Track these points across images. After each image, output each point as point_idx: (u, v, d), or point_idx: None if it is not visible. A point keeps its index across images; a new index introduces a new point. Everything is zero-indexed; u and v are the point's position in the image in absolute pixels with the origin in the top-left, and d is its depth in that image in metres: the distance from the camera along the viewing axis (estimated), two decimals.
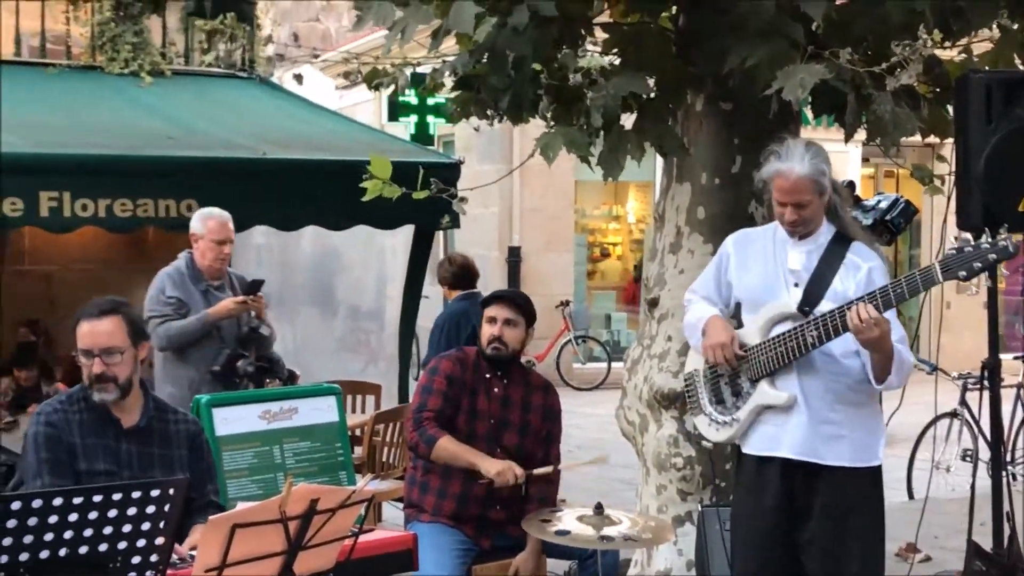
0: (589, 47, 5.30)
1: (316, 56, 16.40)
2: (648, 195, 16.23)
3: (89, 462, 4.09)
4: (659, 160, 8.60)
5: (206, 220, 6.48)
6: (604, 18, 5.39)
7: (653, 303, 5.68)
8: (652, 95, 5.23)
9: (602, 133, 5.04)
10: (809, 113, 5.47)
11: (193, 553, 3.76)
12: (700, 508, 5.20)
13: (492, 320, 5.17)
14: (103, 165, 7.80)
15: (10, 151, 7.61)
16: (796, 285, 4.18)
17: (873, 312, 3.82)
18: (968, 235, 3.91)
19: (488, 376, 5.17)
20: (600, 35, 5.21)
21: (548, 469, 5.05)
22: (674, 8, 5.37)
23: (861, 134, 5.09)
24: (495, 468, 4.89)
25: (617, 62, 5.15)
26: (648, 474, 5.68)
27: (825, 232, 4.21)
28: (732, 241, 4.47)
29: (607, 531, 3.97)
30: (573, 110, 5.12)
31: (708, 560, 5.01)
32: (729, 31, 4.79)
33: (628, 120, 5.16)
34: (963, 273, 3.74)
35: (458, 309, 8.21)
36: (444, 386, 5.11)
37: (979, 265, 3.75)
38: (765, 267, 4.29)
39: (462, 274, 8.36)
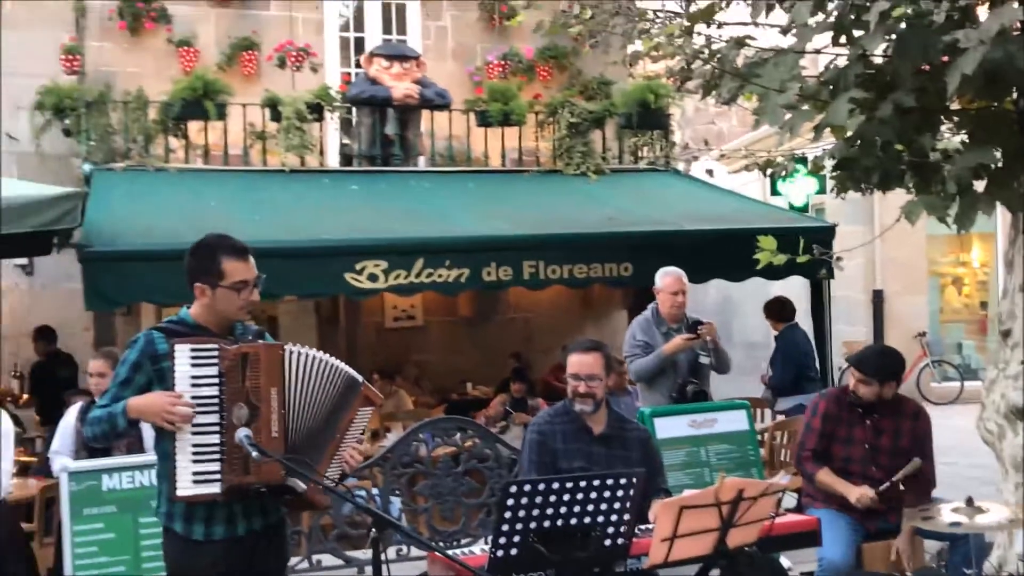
0: (943, 129, 5.00)
1: (715, 151, 16.33)
2: (990, 244, 14.95)
3: (568, 461, 4.25)
4: (999, 214, 7.94)
5: (664, 277, 6.42)
6: (955, 105, 5.05)
7: (1006, 334, 5.22)
8: (999, 164, 4.85)
9: (956, 197, 4.72)
10: None
11: (650, 526, 3.82)
12: None
13: (854, 375, 4.96)
14: (564, 241, 8.11)
15: (501, 234, 8.10)
16: None
17: None
18: None
19: (861, 410, 4.94)
20: (952, 119, 4.90)
21: (908, 471, 4.74)
22: (1015, 93, 4.96)
23: None
24: (854, 495, 4.77)
25: (967, 139, 4.82)
26: (1007, 473, 5.19)
27: None
28: None
29: (983, 519, 3.69)
30: (932, 180, 4.82)
31: None
32: None
33: (977, 184, 4.81)
34: None
35: (794, 337, 8.34)
36: (820, 424, 4.97)
37: None
38: None
39: (785, 310, 8.48)
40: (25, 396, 9.72)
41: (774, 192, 13.93)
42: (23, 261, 10.22)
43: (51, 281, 10.30)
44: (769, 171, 5.50)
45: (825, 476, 4.88)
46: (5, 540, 5.43)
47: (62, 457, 5.84)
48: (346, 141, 10.20)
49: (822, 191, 13.45)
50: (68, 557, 5.00)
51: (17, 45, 10.25)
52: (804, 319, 8.90)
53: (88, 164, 9.25)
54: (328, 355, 3.43)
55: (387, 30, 11.45)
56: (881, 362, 5.06)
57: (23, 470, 6.89)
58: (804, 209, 13.43)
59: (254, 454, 3.16)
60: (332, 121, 10.06)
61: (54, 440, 6.13)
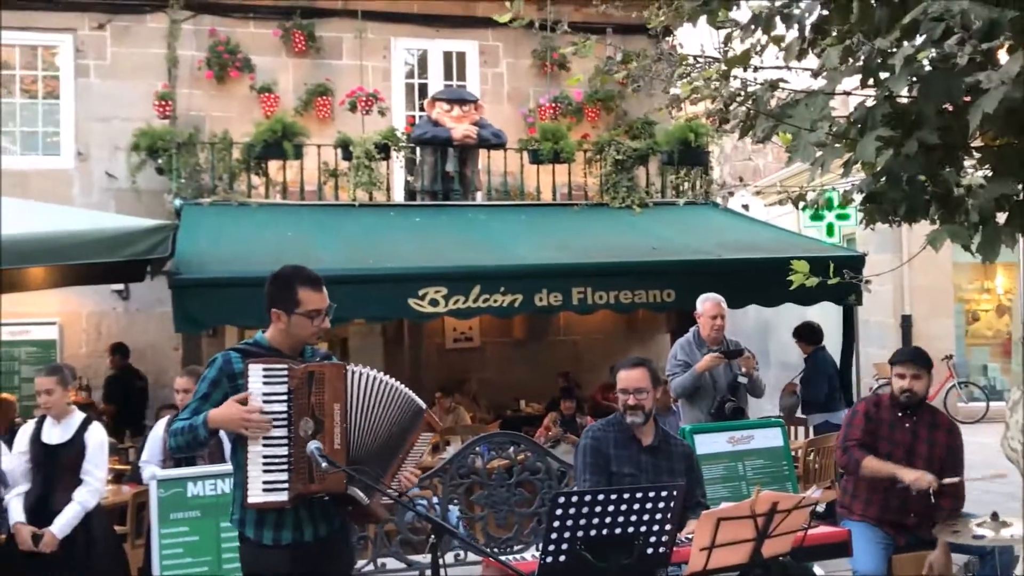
0: (965, 164, 4.91)
1: (751, 186, 16.20)
2: (1013, 271, 14.57)
3: (619, 466, 4.25)
4: (1021, 245, 7.77)
5: (704, 302, 6.36)
6: (977, 142, 4.95)
7: None
8: (1019, 197, 4.74)
9: (980, 228, 4.62)
10: None
11: (689, 536, 3.77)
12: None
13: (902, 376, 4.81)
14: (611, 268, 8.08)
15: (552, 263, 8.09)
16: None
17: None
18: None
19: (900, 415, 4.82)
20: (975, 154, 4.81)
21: (955, 480, 4.61)
22: None
23: None
24: (911, 476, 4.56)
25: (990, 174, 4.72)
26: None
27: None
28: None
29: (1008, 533, 3.58)
30: (956, 212, 4.73)
31: None
32: None
33: (999, 216, 4.70)
34: None
35: (823, 359, 8.26)
36: (862, 422, 4.82)
37: None
38: None
39: (814, 334, 8.37)
40: (100, 406, 9.86)
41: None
42: (119, 287, 10.48)
43: (144, 305, 10.52)
44: (802, 204, 5.43)
45: (873, 462, 4.66)
46: (101, 541, 5.52)
47: (151, 466, 5.93)
48: (410, 178, 10.29)
49: (843, 217, 13.28)
50: (156, 558, 5.06)
51: (116, 93, 10.58)
52: (835, 345, 8.76)
53: (178, 199, 9.45)
54: (390, 377, 3.44)
55: (448, 76, 11.58)
56: (920, 353, 4.98)
57: (117, 478, 7.03)
58: (830, 233, 13.27)
59: (323, 465, 3.17)
60: (398, 160, 10.17)
61: (144, 450, 6.22)
